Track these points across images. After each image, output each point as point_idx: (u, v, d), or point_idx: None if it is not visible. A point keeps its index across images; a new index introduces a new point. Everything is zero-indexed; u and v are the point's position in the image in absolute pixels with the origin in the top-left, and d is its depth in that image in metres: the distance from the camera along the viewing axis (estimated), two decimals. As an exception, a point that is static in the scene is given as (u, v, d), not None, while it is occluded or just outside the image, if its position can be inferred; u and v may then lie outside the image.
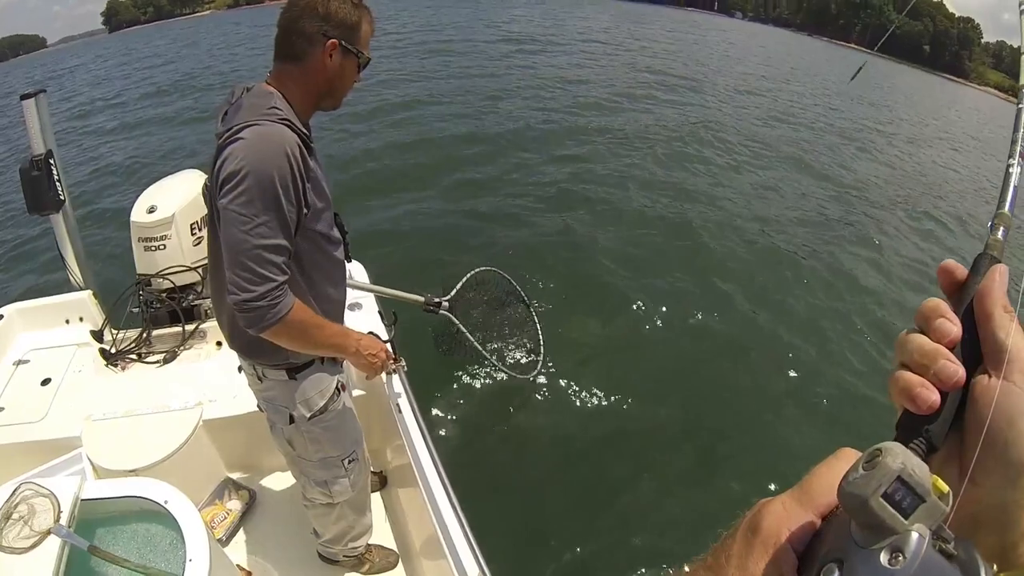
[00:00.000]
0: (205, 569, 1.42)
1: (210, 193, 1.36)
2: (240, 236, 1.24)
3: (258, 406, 1.75)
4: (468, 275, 3.46)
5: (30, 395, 2.33)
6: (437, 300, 3.13)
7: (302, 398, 1.61)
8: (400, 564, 2.23)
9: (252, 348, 1.53)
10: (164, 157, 8.90)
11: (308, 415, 1.62)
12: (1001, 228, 0.45)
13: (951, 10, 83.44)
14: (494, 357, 3.45)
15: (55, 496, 1.48)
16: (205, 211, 2.65)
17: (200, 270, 2.74)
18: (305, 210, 1.35)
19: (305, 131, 1.36)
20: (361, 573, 2.16)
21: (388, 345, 2.21)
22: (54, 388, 2.35)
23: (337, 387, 1.68)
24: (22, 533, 1.41)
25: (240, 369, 1.69)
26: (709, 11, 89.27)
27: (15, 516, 1.44)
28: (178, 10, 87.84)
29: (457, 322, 3.17)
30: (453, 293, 3.28)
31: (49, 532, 1.42)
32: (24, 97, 2.46)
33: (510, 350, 3.79)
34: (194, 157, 8.21)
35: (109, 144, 10.23)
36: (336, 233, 1.57)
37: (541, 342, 3.74)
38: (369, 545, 2.15)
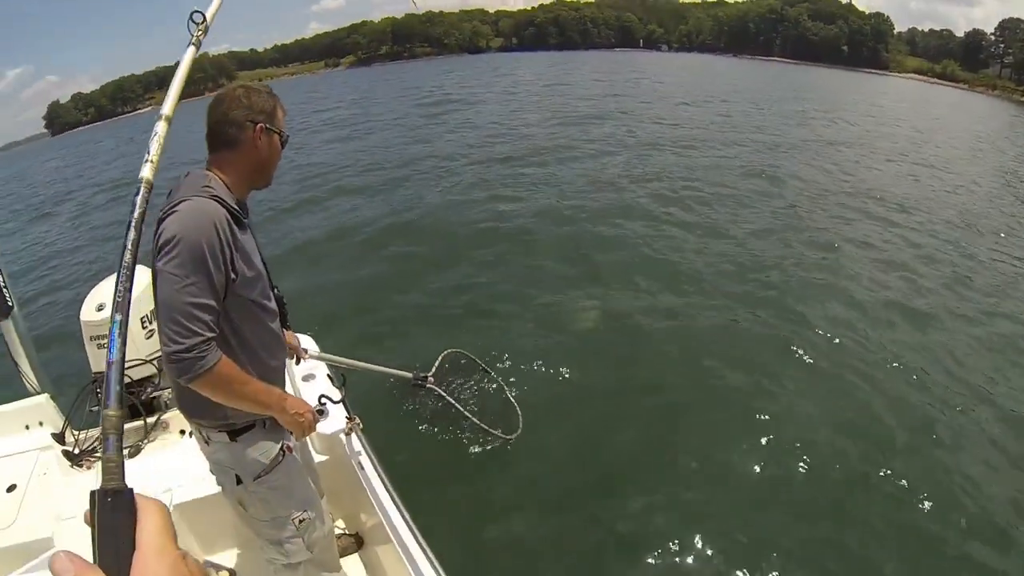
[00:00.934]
0: None
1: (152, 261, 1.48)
2: (172, 294, 1.39)
3: (210, 470, 1.81)
4: (442, 355, 3.95)
5: None
6: (424, 375, 3.59)
7: (245, 460, 1.69)
8: None
9: (194, 408, 1.62)
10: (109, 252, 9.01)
11: (252, 477, 1.70)
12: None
13: (860, 8, 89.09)
14: (481, 422, 3.64)
15: None
16: (153, 305, 2.76)
17: (155, 362, 2.79)
18: (233, 276, 1.49)
19: (236, 208, 1.54)
20: None
21: (341, 405, 2.32)
22: (20, 493, 2.34)
23: (282, 449, 1.75)
24: None
25: (191, 434, 1.76)
26: (635, 48, 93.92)
27: None
28: (119, 108, 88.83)
29: (445, 395, 3.63)
30: (434, 370, 3.69)
31: None
32: None
33: (488, 416, 3.85)
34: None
35: (56, 241, 10.39)
36: (272, 304, 1.70)
37: (516, 406, 3.95)
38: None
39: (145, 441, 2.66)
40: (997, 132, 23.91)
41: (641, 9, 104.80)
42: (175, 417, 2.79)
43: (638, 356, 4.93)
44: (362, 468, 2.27)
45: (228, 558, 2.42)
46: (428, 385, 3.64)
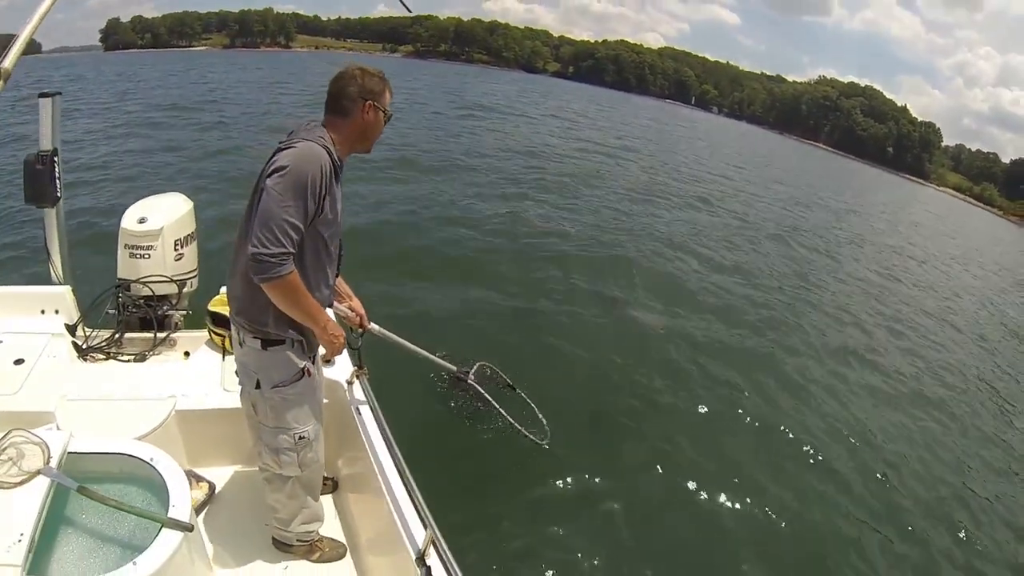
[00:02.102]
0: (186, 515, 1.63)
1: (258, 180, 1.81)
2: (273, 208, 1.70)
3: (235, 371, 2.09)
4: (477, 364, 4.15)
5: (2, 372, 2.46)
6: (466, 371, 3.90)
7: (269, 368, 1.95)
8: (348, 556, 2.41)
9: (245, 308, 1.89)
10: (152, 175, 9.31)
11: (271, 385, 1.96)
12: None
13: (914, 114, 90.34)
14: (515, 422, 3.90)
15: (46, 444, 1.69)
16: (189, 231, 3.02)
17: (178, 284, 3.02)
18: (319, 212, 1.81)
19: (339, 161, 1.89)
20: (311, 561, 2.35)
21: (357, 354, 2.56)
22: (27, 368, 2.50)
23: (303, 369, 2.00)
24: (11, 472, 1.61)
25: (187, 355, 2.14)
26: (686, 104, 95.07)
27: (3, 457, 1.64)
28: (174, 41, 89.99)
29: (485, 392, 3.88)
30: (475, 368, 3.97)
31: (39, 472, 1.61)
32: (42, 95, 2.76)
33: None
34: (177, 181, 8.69)
35: (104, 154, 10.55)
36: (334, 249, 2.04)
37: (543, 421, 4.07)
38: (321, 535, 2.37)
39: (151, 353, 2.86)
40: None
41: (700, 67, 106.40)
42: (183, 338, 3.01)
43: (674, 383, 5.30)
44: (359, 414, 2.45)
45: (211, 473, 2.58)
46: (469, 381, 3.88)
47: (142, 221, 2.90)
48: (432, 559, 1.89)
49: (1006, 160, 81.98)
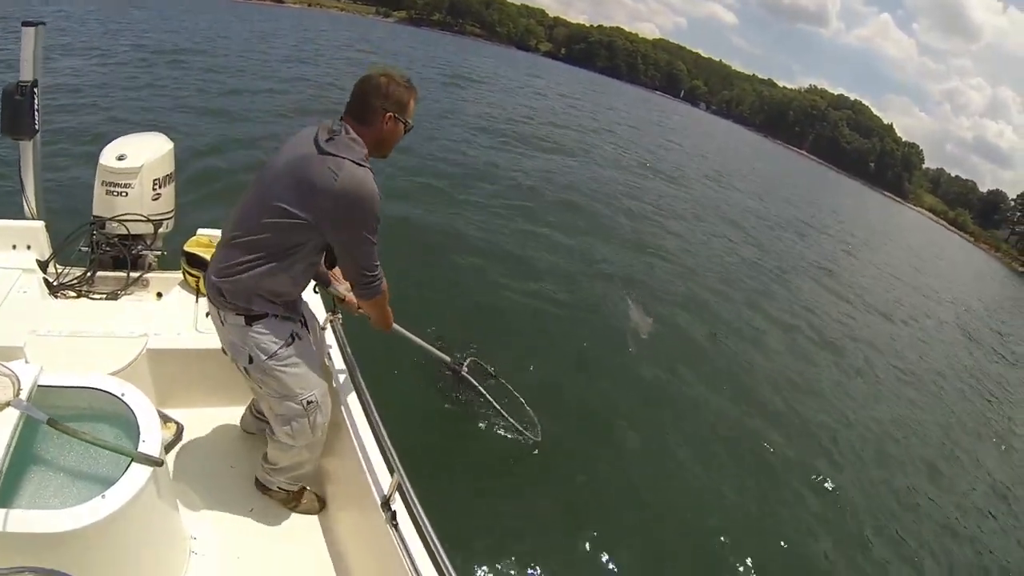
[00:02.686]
0: (157, 450, 1.63)
1: (288, 179, 1.83)
2: (367, 247, 1.91)
3: (223, 350, 2.09)
4: (469, 359, 4.05)
5: None
6: (461, 363, 3.84)
7: (257, 341, 1.96)
8: (323, 512, 2.45)
9: (228, 291, 1.89)
10: (135, 115, 9.05)
11: (266, 356, 1.98)
12: None
13: (899, 134, 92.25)
14: (509, 417, 3.92)
15: (16, 376, 1.65)
16: (168, 171, 2.97)
17: (154, 224, 2.98)
18: None
19: None
20: (287, 508, 2.39)
21: (331, 299, 2.57)
22: None
23: (292, 334, 2.02)
24: None
25: (207, 315, 2.09)
26: (675, 97, 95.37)
27: None
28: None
29: (478, 385, 3.83)
30: (468, 362, 3.90)
31: (8, 404, 1.57)
32: (25, 24, 2.66)
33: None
34: (152, 121, 8.48)
35: (86, 91, 10.15)
36: None
37: (534, 418, 4.08)
38: (303, 486, 2.40)
39: (123, 292, 2.83)
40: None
41: (693, 63, 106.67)
42: (156, 279, 2.98)
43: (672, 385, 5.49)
44: (330, 359, 2.48)
45: (179, 414, 2.57)
46: (462, 373, 3.83)
47: (121, 158, 2.83)
48: (397, 503, 1.93)
49: (983, 189, 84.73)
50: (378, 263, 2.00)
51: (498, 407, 3.85)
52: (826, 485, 4.84)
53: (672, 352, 6.16)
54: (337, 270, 2.33)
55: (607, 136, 20.89)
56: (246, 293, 1.89)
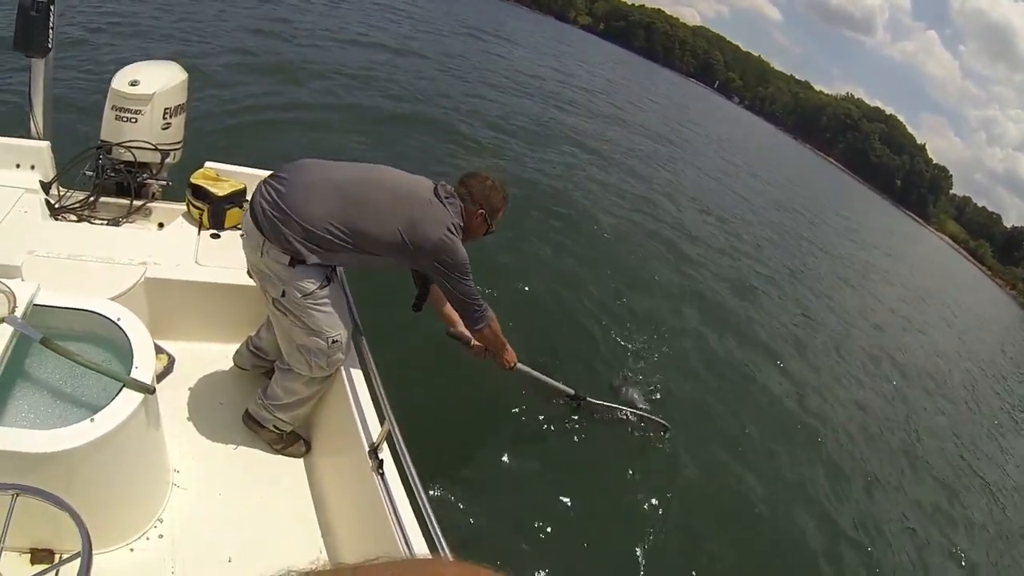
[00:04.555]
0: (149, 378, 1.68)
1: (405, 208, 2.11)
2: (466, 284, 2.28)
3: (249, 272, 2.21)
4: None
5: None
6: (583, 395, 3.99)
7: (296, 280, 2.06)
8: (307, 457, 2.54)
9: (301, 238, 2.01)
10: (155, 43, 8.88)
11: (300, 295, 2.08)
12: None
13: (930, 155, 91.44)
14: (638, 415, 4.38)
15: (12, 293, 1.69)
16: (180, 101, 2.99)
17: (161, 153, 2.99)
18: None
19: None
20: (273, 448, 2.47)
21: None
22: None
23: (327, 276, 2.14)
24: None
25: (215, 236, 2.45)
26: (709, 87, 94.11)
27: None
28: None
29: (606, 403, 4.21)
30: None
31: (2, 320, 1.61)
32: None
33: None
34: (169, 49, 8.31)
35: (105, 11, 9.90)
36: None
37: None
38: (294, 429, 2.49)
39: (125, 219, 2.86)
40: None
41: (731, 54, 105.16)
42: (160, 209, 3.02)
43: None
44: None
45: (172, 346, 2.63)
46: (586, 400, 4.02)
47: (134, 84, 2.84)
48: (384, 452, 2.00)
49: (1008, 224, 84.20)
50: (478, 296, 2.36)
51: (630, 415, 4.29)
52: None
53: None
54: (453, 313, 2.65)
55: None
56: (309, 249, 2.02)
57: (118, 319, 1.82)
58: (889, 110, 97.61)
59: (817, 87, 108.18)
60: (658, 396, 4.86)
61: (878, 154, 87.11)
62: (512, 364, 2.95)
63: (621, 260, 7.73)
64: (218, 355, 2.75)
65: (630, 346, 5.50)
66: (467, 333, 2.73)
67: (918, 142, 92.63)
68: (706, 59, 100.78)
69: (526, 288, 5.65)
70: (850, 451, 6.05)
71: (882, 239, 29.10)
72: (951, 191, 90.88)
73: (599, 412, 4.19)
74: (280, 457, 2.48)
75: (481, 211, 2.29)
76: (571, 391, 3.88)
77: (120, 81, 2.85)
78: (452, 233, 2.15)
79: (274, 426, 2.42)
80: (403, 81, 11.67)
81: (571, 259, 6.90)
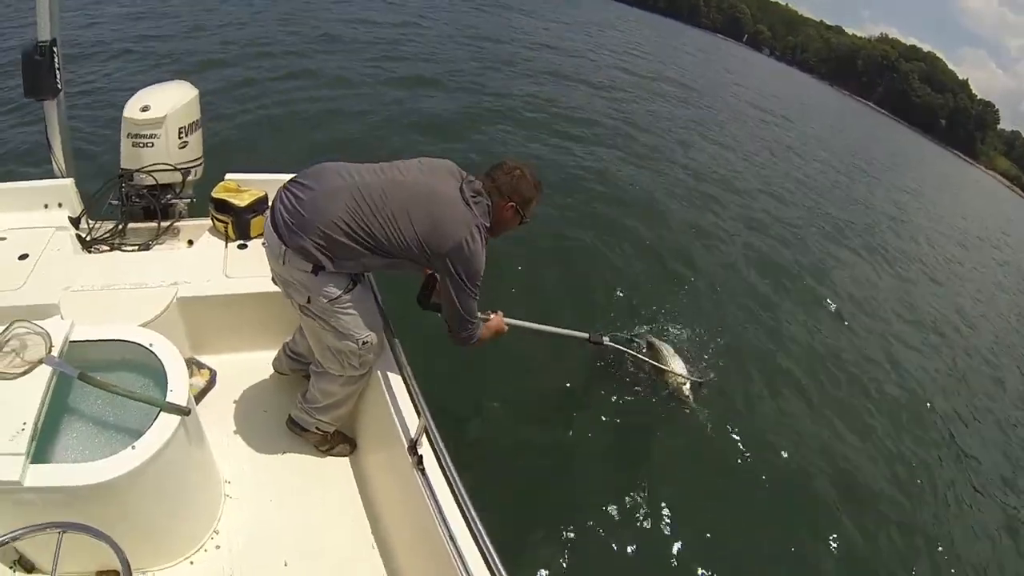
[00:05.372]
0: (184, 399, 1.74)
1: (425, 211, 2.04)
2: (469, 300, 2.22)
3: (273, 280, 2.20)
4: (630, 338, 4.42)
5: (7, 268, 2.52)
6: (600, 334, 3.87)
7: (320, 287, 2.05)
8: (353, 456, 2.60)
9: (320, 248, 1.98)
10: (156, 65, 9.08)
11: (326, 300, 2.08)
12: None
13: (974, 91, 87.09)
14: (662, 364, 4.26)
15: (48, 333, 1.77)
16: (194, 118, 3.05)
17: (182, 172, 3.06)
18: None
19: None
20: (320, 450, 2.54)
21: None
22: (32, 262, 2.57)
23: (352, 279, 2.13)
24: (14, 363, 1.68)
25: (243, 247, 2.43)
26: (738, 41, 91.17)
27: (7, 349, 1.71)
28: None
29: (625, 348, 4.09)
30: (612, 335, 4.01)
31: (41, 362, 1.69)
32: None
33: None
34: (177, 67, 8.66)
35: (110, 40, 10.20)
36: None
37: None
38: (337, 429, 2.54)
39: (155, 242, 2.94)
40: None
41: (757, 6, 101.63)
42: (187, 227, 3.09)
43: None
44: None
45: (213, 360, 2.73)
46: (607, 344, 3.88)
47: (145, 109, 2.89)
48: (424, 448, 2.02)
49: (1061, 154, 79.68)
50: (476, 315, 2.31)
51: (655, 362, 4.19)
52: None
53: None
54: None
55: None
56: (329, 256, 1.99)
57: (150, 344, 1.87)
58: (926, 47, 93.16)
59: (849, 31, 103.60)
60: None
61: (919, 94, 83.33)
62: (502, 330, 2.74)
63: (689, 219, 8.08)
64: (258, 363, 2.82)
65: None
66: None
67: (959, 78, 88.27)
68: (731, 13, 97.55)
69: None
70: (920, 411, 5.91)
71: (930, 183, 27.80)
72: (998, 126, 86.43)
73: (622, 358, 4.20)
74: (327, 458, 2.55)
75: (511, 203, 2.21)
76: (584, 334, 3.72)
77: (131, 109, 2.91)
78: (474, 237, 2.08)
79: (317, 428, 2.47)
80: (414, 51, 12.05)
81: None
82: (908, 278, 10.22)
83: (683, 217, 8.21)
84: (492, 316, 2.70)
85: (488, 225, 2.17)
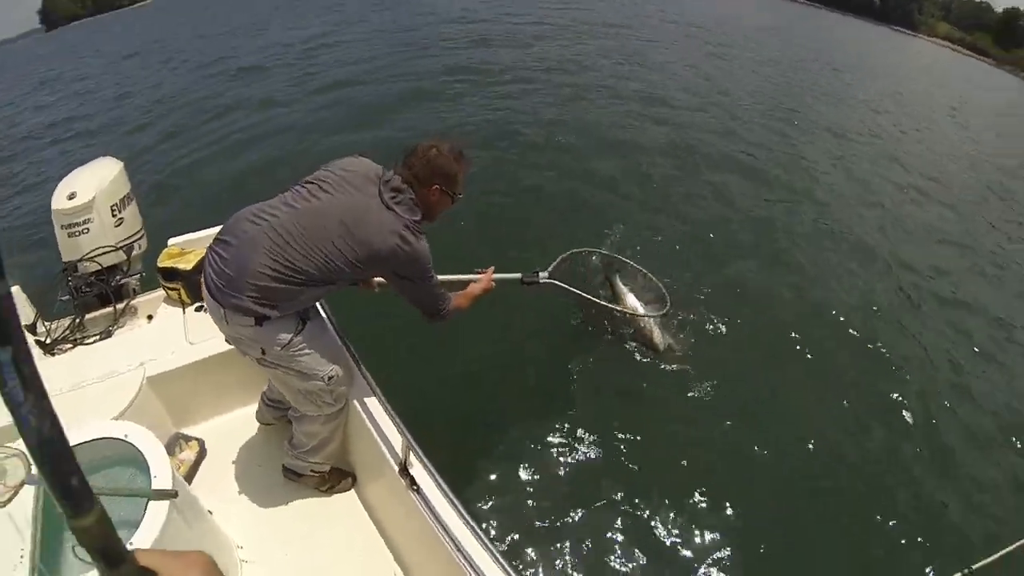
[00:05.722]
0: (169, 481, 1.74)
1: (344, 229, 1.97)
2: (433, 287, 2.21)
3: (227, 340, 2.15)
4: (560, 256, 3.72)
5: None
6: (536, 271, 3.33)
7: (269, 336, 2.02)
8: (356, 489, 2.62)
9: (249, 303, 1.93)
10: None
11: (279, 347, 2.04)
12: None
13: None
14: (611, 304, 3.92)
15: (23, 452, 1.76)
16: (124, 192, 2.99)
17: (124, 249, 3.02)
18: None
19: None
20: (321, 491, 2.55)
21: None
22: None
23: (301, 319, 2.09)
24: None
25: (200, 309, 2.26)
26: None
27: None
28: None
29: (563, 284, 3.39)
30: (550, 269, 3.46)
31: (23, 483, 1.69)
32: None
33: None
34: (106, 139, 8.67)
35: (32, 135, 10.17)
36: None
37: (662, 290, 4.06)
38: (331, 465, 2.55)
39: (115, 327, 2.91)
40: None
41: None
42: (142, 303, 3.07)
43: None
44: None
45: (199, 429, 2.75)
46: (543, 281, 3.30)
47: (72, 196, 2.85)
48: (414, 468, 2.07)
49: (999, 9, 79.87)
50: (442, 296, 2.28)
51: (592, 299, 3.63)
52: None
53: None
54: None
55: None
56: (268, 306, 1.95)
57: (125, 436, 1.87)
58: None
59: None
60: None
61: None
62: (490, 288, 2.67)
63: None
64: (242, 420, 2.82)
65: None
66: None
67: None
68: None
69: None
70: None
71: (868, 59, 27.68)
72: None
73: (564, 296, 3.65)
74: (332, 496, 2.58)
75: (435, 186, 2.11)
76: (516, 275, 3.20)
77: (59, 199, 2.85)
78: (406, 239, 2.01)
79: (312, 471, 2.49)
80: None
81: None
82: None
83: (622, 139, 8.36)
84: (480, 274, 2.69)
85: (418, 219, 2.09)
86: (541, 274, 3.32)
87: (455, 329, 2.86)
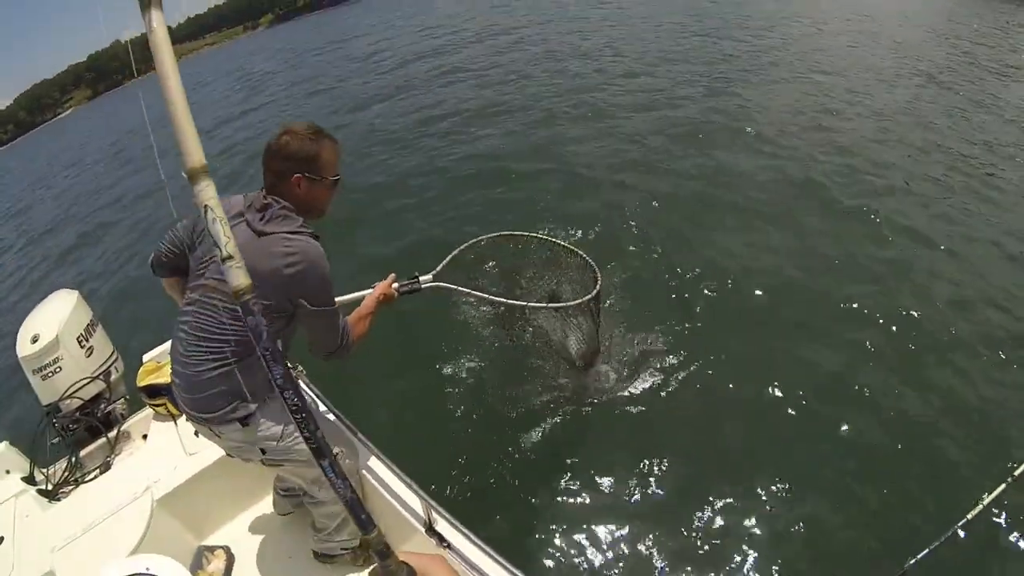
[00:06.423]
0: None
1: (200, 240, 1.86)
2: (333, 314, 1.90)
3: (228, 454, 2.07)
4: (457, 249, 3.15)
5: None
6: (414, 276, 2.78)
7: (262, 435, 1.93)
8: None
9: (205, 410, 1.86)
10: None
11: (276, 442, 1.95)
12: None
13: None
14: (511, 298, 3.17)
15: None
16: (86, 321, 2.89)
17: (101, 377, 2.94)
18: None
19: None
20: (358, 567, 2.45)
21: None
22: (10, 543, 2.47)
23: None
24: None
25: (196, 433, 2.06)
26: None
27: None
28: (40, 118, 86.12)
29: (448, 284, 2.84)
30: (439, 268, 2.95)
31: None
32: None
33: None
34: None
35: None
36: None
37: (591, 263, 3.27)
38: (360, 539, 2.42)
39: (113, 456, 2.83)
40: None
41: None
42: (133, 425, 2.99)
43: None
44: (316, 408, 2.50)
45: (222, 535, 2.67)
46: (424, 286, 2.77)
47: (35, 340, 2.78)
48: (440, 524, 2.01)
49: None
50: (343, 325, 1.96)
51: (490, 297, 2.99)
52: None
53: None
54: None
55: None
56: (237, 403, 1.85)
57: (146, 569, 1.77)
58: None
59: None
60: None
61: None
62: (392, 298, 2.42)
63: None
64: (261, 517, 2.76)
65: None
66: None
67: None
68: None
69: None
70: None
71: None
72: None
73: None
74: (367, 570, 2.44)
75: (297, 176, 1.81)
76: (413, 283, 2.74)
77: (23, 346, 2.79)
78: (295, 248, 1.74)
79: (342, 549, 2.40)
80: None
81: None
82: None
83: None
84: (375, 286, 2.37)
85: (301, 222, 1.82)
86: (422, 277, 2.78)
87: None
